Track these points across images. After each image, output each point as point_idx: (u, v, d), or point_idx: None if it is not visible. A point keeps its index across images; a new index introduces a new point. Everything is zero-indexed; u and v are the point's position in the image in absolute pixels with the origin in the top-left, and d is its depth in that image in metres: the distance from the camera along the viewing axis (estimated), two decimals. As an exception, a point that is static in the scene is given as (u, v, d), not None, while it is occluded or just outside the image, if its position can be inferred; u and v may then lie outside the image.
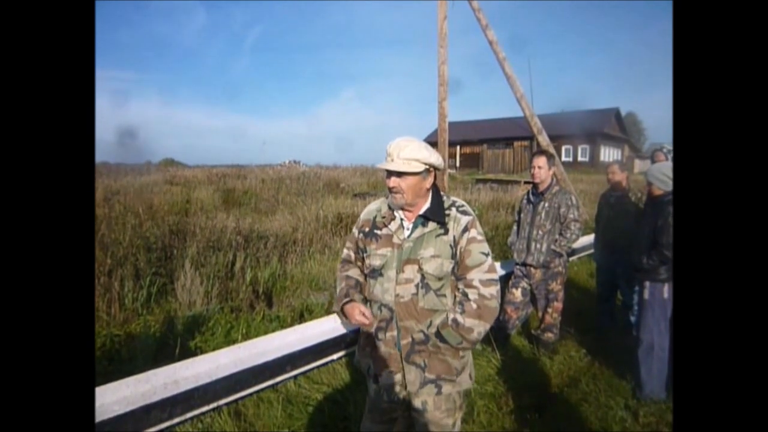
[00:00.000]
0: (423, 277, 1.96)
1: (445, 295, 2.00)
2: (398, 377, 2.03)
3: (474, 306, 1.94)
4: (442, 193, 2.09)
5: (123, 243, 5.69)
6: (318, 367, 3.12)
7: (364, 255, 2.12)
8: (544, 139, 10.40)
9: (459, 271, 2.00)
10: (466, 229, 1.99)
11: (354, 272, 2.18)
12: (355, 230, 2.19)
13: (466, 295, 1.97)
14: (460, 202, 2.09)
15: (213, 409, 2.49)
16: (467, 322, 1.94)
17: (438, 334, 1.97)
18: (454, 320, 1.95)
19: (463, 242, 1.98)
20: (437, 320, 1.99)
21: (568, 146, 36.43)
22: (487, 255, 2.01)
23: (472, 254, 1.98)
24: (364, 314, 2.01)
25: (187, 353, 3.54)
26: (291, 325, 4.10)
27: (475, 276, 1.97)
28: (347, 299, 2.08)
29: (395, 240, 2.01)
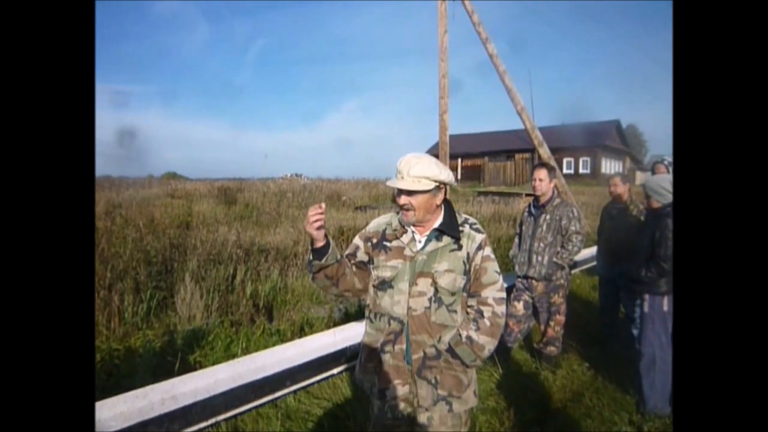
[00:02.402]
0: (436, 290, 1.96)
1: (456, 311, 1.99)
2: (406, 391, 2.00)
3: (488, 324, 1.96)
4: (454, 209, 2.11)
5: (123, 256, 5.68)
6: (318, 381, 3.10)
7: (371, 266, 2.10)
8: (545, 152, 10.43)
9: (473, 288, 2.01)
10: (480, 247, 2.01)
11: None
12: (358, 240, 2.15)
13: (480, 312, 1.98)
14: (472, 219, 2.10)
15: (211, 425, 2.46)
16: (481, 339, 1.95)
17: (451, 351, 1.96)
18: (468, 337, 1.95)
19: (477, 260, 2.00)
20: (447, 336, 1.98)
21: (569, 158, 36.49)
22: (499, 274, 2.04)
23: (488, 272, 2.00)
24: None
25: (187, 368, 3.52)
26: (291, 339, 4.08)
27: (489, 294, 1.99)
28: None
29: (407, 252, 2.00)
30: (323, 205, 1.93)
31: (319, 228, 1.91)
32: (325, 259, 1.98)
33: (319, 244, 1.95)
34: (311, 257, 2.00)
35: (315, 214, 1.88)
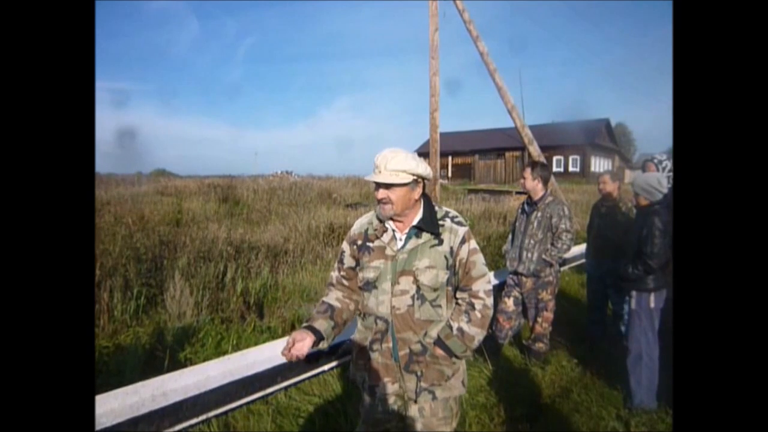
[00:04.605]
0: (418, 288, 1.97)
1: (440, 306, 2.01)
2: (395, 387, 2.03)
3: (479, 316, 2.00)
4: (433, 203, 2.11)
5: (113, 254, 5.64)
6: (309, 378, 3.10)
7: (357, 268, 2.11)
8: (534, 150, 10.47)
9: (463, 282, 2.04)
10: (464, 240, 2.02)
11: (331, 297, 2.15)
12: (345, 245, 2.17)
13: (472, 305, 2.01)
14: (453, 212, 2.11)
15: (202, 422, 2.46)
16: (472, 330, 1.98)
17: (441, 344, 1.98)
18: (460, 329, 1.98)
19: (463, 253, 2.01)
20: (433, 331, 2.00)
21: (559, 156, 36.69)
22: (485, 265, 2.07)
23: (477, 265, 2.03)
24: (294, 344, 1.93)
25: (177, 365, 3.50)
26: (282, 336, 4.07)
27: (480, 287, 2.02)
28: (306, 324, 2.04)
29: (388, 252, 2.02)
30: (291, 349, 1.93)
31: (300, 355, 1.93)
32: (326, 341, 2.04)
33: (311, 343, 1.97)
34: (317, 350, 2.08)
35: (288, 354, 1.92)
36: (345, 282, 2.16)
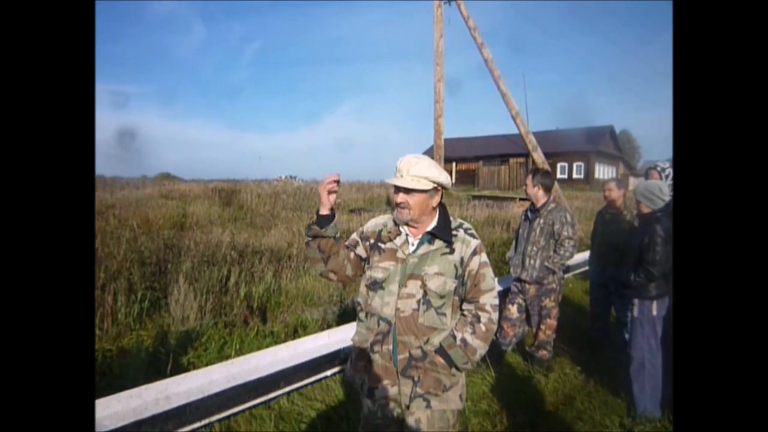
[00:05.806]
0: (425, 293, 1.98)
1: (445, 314, 2.01)
2: (393, 391, 2.02)
3: (483, 329, 1.99)
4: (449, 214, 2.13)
5: (117, 257, 5.66)
6: (311, 383, 3.11)
7: (366, 266, 2.13)
8: (539, 156, 10.49)
9: (470, 293, 2.04)
10: (475, 253, 2.03)
11: None
12: (356, 236, 2.17)
13: (477, 317, 2.01)
14: (467, 225, 2.13)
15: (205, 426, 2.47)
16: (475, 343, 1.98)
17: (442, 353, 1.98)
18: (463, 340, 1.98)
19: (473, 265, 2.02)
20: (435, 339, 2.00)
21: (563, 163, 36.66)
22: (494, 280, 2.08)
23: (486, 278, 2.03)
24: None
25: (180, 369, 3.51)
26: (285, 341, 4.08)
27: (487, 300, 2.02)
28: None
29: (400, 255, 2.03)
30: (339, 176, 1.99)
31: (330, 192, 1.98)
32: (325, 229, 2.01)
33: (324, 211, 2.00)
34: (312, 222, 2.03)
35: (331, 180, 1.96)
36: (350, 255, 2.13)
